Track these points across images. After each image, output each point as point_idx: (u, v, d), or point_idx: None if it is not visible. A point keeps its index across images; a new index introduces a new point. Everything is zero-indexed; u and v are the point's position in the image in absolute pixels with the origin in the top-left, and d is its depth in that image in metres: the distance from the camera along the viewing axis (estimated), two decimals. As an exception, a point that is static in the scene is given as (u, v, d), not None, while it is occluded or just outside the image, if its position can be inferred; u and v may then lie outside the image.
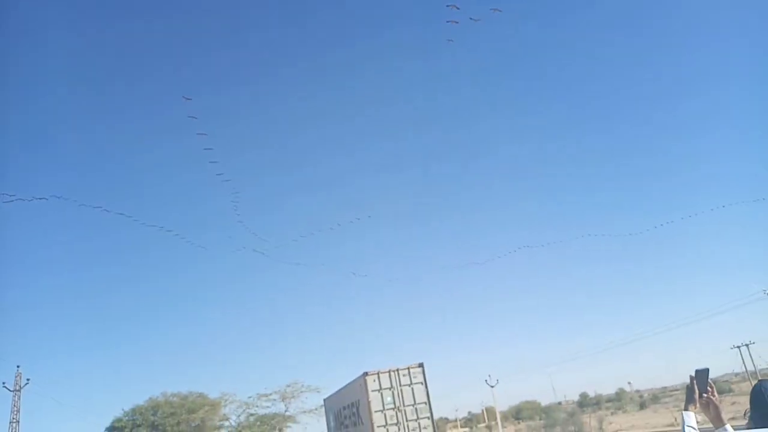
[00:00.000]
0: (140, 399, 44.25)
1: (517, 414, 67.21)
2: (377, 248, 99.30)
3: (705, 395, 2.73)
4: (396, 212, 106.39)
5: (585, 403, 75.46)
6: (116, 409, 44.52)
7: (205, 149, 21.38)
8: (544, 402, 73.99)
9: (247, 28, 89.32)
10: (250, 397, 46.77)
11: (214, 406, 44.68)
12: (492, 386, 56.77)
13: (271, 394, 46.79)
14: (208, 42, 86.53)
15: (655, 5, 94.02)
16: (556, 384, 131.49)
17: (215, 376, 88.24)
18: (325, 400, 30.90)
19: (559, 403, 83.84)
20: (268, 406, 46.92)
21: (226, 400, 46.03)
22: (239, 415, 46.76)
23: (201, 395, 44.61)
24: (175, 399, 43.46)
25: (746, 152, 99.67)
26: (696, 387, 2.75)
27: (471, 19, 18.54)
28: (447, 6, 15.83)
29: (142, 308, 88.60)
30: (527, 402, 69.00)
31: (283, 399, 46.88)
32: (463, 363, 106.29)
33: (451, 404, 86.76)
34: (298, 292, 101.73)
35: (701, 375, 2.76)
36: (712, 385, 2.75)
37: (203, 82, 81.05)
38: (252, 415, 46.62)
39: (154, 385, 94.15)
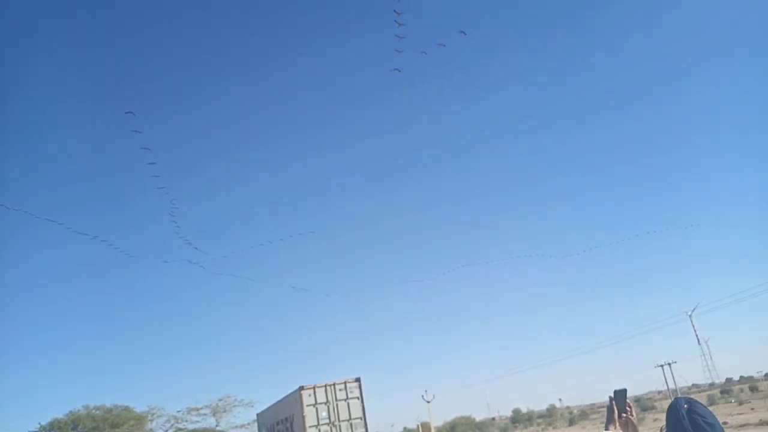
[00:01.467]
0: (59, 412, 41.63)
1: (451, 429, 67.68)
2: (318, 263, 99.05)
3: (624, 415, 2.81)
4: (339, 228, 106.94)
5: (518, 418, 77.04)
6: (32, 423, 41.72)
7: (148, 164, 20.89)
8: (479, 417, 75.15)
9: (192, 44, 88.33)
10: (179, 411, 45.08)
11: (140, 420, 42.73)
12: (428, 401, 57.15)
13: (201, 408, 45.31)
14: (153, 57, 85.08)
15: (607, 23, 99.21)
16: (490, 400, 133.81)
17: (143, 388, 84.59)
18: (258, 414, 30.17)
19: (493, 419, 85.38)
20: (198, 421, 45.38)
21: (153, 414, 44.13)
22: (167, 430, 44.92)
23: (126, 408, 42.58)
24: (97, 412, 41.25)
25: (676, 180, 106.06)
26: (615, 407, 2.83)
27: (422, 52, 19.51)
28: (395, 36, 16.44)
29: (65, 316, 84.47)
30: (462, 417, 69.68)
31: (215, 413, 45.47)
32: (400, 378, 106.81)
33: (388, 419, 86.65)
34: (235, 305, 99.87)
35: (620, 395, 2.84)
36: (631, 404, 2.84)
37: (147, 96, 79.53)
38: (180, 430, 44.87)
39: (75, 397, 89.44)
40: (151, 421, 44.20)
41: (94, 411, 41.40)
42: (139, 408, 43.50)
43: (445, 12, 67.14)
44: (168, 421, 44.76)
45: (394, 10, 15.49)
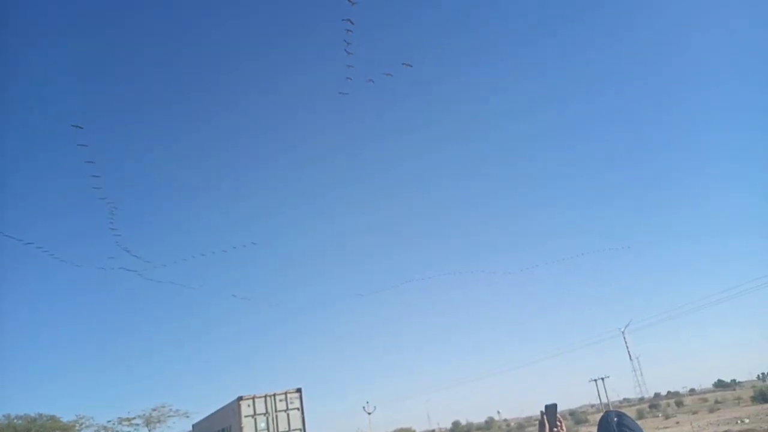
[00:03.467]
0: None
1: (391, 441, 67.67)
2: (261, 274, 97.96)
3: (555, 429, 2.89)
4: (282, 240, 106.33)
5: (457, 430, 77.77)
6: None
7: (92, 176, 20.82)
8: (419, 429, 75.32)
9: (138, 58, 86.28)
10: (110, 421, 43.12)
11: (67, 430, 40.54)
12: (369, 413, 57.08)
13: (134, 418, 43.50)
14: (97, 69, 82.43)
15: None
16: (431, 412, 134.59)
17: (71, 396, 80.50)
18: (193, 425, 29.30)
19: (433, 431, 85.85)
20: (130, 431, 43.55)
21: (81, 424, 41.97)
22: (95, 441, 42.84)
23: (52, 418, 40.30)
24: (20, 422, 38.83)
25: (614, 203, 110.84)
26: (546, 421, 2.90)
27: (368, 80, 20.82)
28: (346, 66, 17.73)
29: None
30: (402, 429, 69.70)
31: (148, 423, 43.74)
32: (341, 389, 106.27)
33: (327, 430, 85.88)
34: (175, 313, 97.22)
35: (551, 410, 2.92)
36: (561, 419, 2.93)
37: (89, 107, 76.93)
38: (110, 440, 42.93)
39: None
40: (79, 431, 42.11)
41: (15, 421, 38.97)
42: (66, 417, 41.38)
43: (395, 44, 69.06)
44: (97, 431, 42.79)
45: (345, 40, 16.57)
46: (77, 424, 41.80)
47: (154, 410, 44.20)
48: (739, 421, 30.52)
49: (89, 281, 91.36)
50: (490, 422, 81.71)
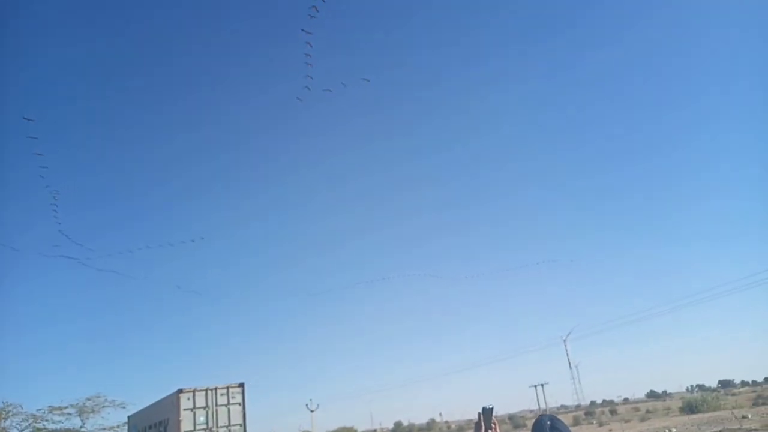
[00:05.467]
0: None
1: (332, 440, 67.47)
2: (210, 269, 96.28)
3: (490, 431, 2.98)
4: (234, 238, 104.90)
5: (398, 431, 78.31)
6: None
7: (40, 167, 20.49)
8: (361, 428, 75.43)
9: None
10: (39, 410, 41.23)
11: (-8, 417, 38.62)
12: (312, 411, 56.81)
13: (66, 408, 41.76)
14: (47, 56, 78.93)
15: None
16: (374, 411, 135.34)
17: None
18: (129, 417, 28.45)
19: (375, 431, 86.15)
20: (60, 421, 41.72)
21: (7, 412, 39.99)
22: (22, 430, 40.93)
23: (-25, 404, 38.32)
24: (-61, 408, 36.80)
25: (555, 215, 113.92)
26: (482, 423, 2.98)
27: (324, 90, 21.81)
28: (304, 76, 18.74)
29: None
30: (344, 428, 69.62)
31: (81, 413, 42.10)
32: (285, 386, 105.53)
33: (268, 426, 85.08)
34: (116, 303, 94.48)
35: (487, 413, 3.01)
36: (496, 422, 3.02)
37: (36, 88, 73.41)
38: (39, 430, 41.06)
39: None
40: (5, 419, 40.12)
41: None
42: (-9, 404, 39.35)
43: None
44: (25, 419, 40.82)
45: (306, 54, 17.37)
46: (3, 412, 39.86)
47: (89, 400, 42.58)
48: (667, 430, 31.85)
49: (28, 268, 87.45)
50: (431, 424, 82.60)
